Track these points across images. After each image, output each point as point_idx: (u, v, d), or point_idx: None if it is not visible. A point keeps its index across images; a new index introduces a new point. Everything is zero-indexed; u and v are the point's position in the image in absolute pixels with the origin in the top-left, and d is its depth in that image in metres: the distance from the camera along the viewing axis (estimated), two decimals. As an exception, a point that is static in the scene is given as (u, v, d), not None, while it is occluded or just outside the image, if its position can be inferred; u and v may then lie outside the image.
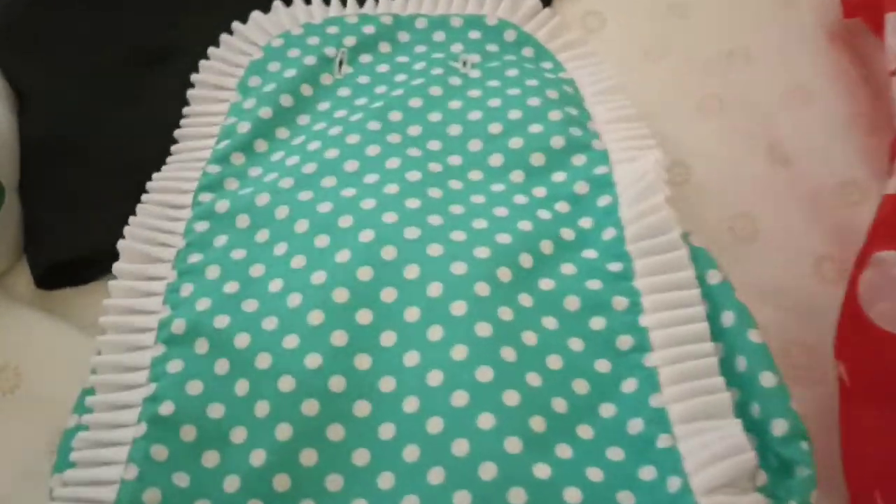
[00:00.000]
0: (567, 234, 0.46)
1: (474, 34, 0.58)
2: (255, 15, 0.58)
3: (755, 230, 0.50)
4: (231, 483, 0.38)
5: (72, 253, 0.50)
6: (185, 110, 0.54)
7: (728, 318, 0.42)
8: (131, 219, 0.47)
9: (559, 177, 0.49)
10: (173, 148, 0.52)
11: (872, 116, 0.52)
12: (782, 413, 0.38)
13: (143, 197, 0.49)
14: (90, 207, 0.51)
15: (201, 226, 0.48)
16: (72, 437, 0.40)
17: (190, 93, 0.55)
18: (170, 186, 0.50)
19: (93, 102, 0.55)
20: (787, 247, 0.49)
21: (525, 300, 0.43)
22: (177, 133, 0.53)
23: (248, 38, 0.57)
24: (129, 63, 0.57)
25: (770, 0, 0.59)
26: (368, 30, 0.58)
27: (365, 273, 0.43)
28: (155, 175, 0.50)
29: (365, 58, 0.57)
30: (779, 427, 0.38)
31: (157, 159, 0.52)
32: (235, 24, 0.58)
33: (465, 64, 0.56)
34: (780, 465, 0.37)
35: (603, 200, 0.48)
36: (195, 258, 0.46)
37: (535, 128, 0.51)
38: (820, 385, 0.44)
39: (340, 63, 0.56)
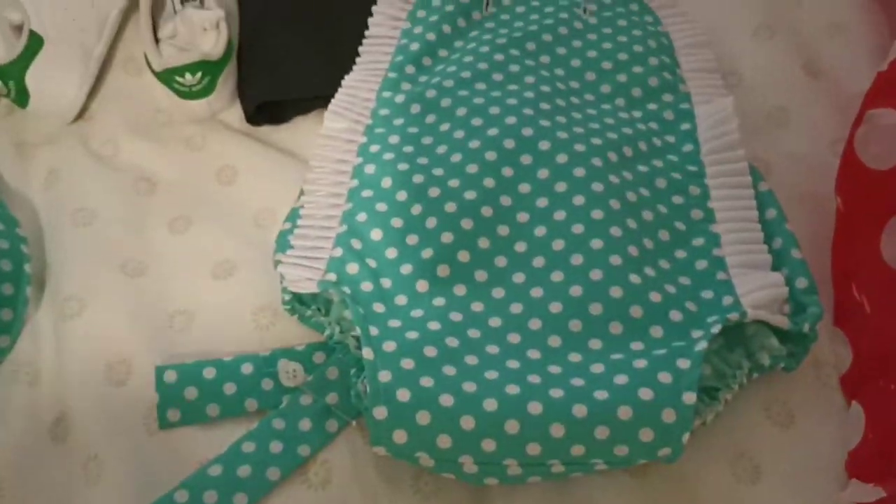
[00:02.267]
0: (656, 141, 0.61)
1: None
2: None
3: (788, 118, 0.65)
4: (406, 268, 0.54)
5: (273, 96, 0.68)
6: (368, 32, 0.69)
7: (770, 213, 0.57)
8: (333, 101, 0.63)
9: (652, 106, 0.63)
10: (359, 60, 0.67)
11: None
12: (804, 275, 0.54)
13: (340, 90, 0.64)
14: (289, 63, 0.69)
15: (384, 111, 0.62)
16: (286, 235, 0.56)
17: (371, 19, 0.69)
18: (359, 85, 0.65)
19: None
20: (810, 131, 0.65)
21: (627, 174, 0.58)
22: (361, 49, 0.68)
23: None
24: None
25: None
26: None
27: (509, 143, 0.58)
28: (347, 77, 0.65)
29: (506, 0, 0.72)
30: (801, 283, 0.53)
31: (342, 39, 0.69)
32: None
33: (585, 11, 0.70)
34: (797, 308, 0.53)
35: (684, 126, 0.62)
36: (380, 130, 0.61)
37: (637, 69, 0.65)
38: (824, 222, 0.59)
39: (487, 3, 0.71)
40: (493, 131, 0.59)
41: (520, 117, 0.60)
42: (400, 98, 0.63)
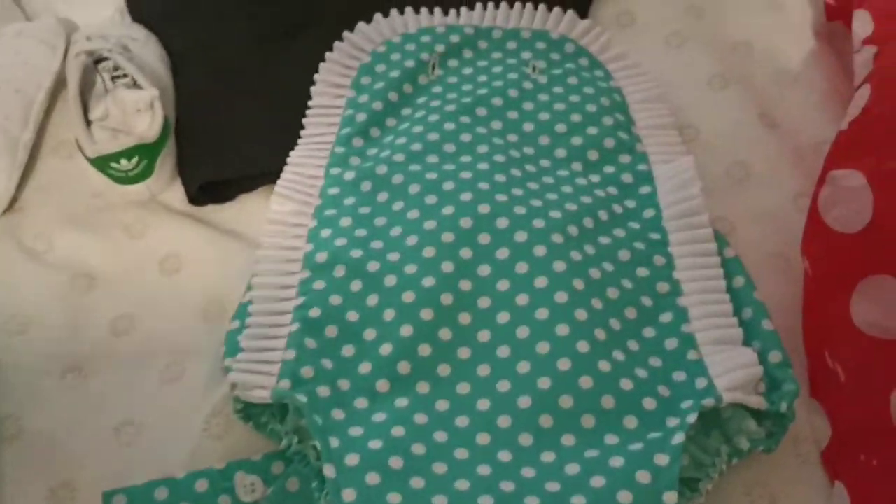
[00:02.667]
0: (617, 209, 0.59)
1: (540, 45, 0.69)
2: (361, 25, 0.71)
3: (748, 174, 0.64)
4: (364, 367, 0.51)
5: (216, 175, 0.65)
6: (311, 103, 0.66)
7: (738, 281, 0.55)
8: (279, 181, 0.60)
9: (609, 169, 0.61)
10: (303, 132, 0.65)
11: (845, 93, 0.66)
12: (777, 348, 0.52)
13: (286, 168, 0.61)
14: (231, 139, 0.66)
15: (333, 190, 0.60)
16: (235, 335, 0.54)
17: (313, 89, 0.67)
18: (305, 162, 0.62)
19: (237, 64, 0.70)
20: (772, 186, 0.63)
21: (589, 249, 0.55)
22: (305, 120, 0.65)
23: (357, 45, 0.70)
24: (270, 33, 0.71)
25: (764, 4, 0.73)
26: (454, 39, 0.69)
27: (466, 222, 0.55)
28: (292, 153, 0.63)
29: (452, 62, 0.68)
30: (774, 357, 0.52)
31: (285, 111, 0.66)
32: (346, 34, 0.70)
33: (534, 69, 0.68)
34: (772, 384, 0.51)
35: (644, 189, 0.60)
36: (331, 212, 0.59)
37: (592, 130, 0.63)
38: (792, 283, 0.57)
39: (433, 66, 0.68)
40: (448, 209, 0.56)
41: (475, 192, 0.57)
42: (349, 175, 0.61)
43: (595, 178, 0.61)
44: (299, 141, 0.65)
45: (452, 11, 0.72)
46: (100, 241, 0.63)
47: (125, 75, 0.65)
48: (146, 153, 0.62)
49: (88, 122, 0.64)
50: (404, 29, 0.71)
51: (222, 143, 0.66)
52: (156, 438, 0.53)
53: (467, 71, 0.68)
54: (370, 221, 0.58)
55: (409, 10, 0.72)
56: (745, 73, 0.69)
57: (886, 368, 0.51)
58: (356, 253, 0.56)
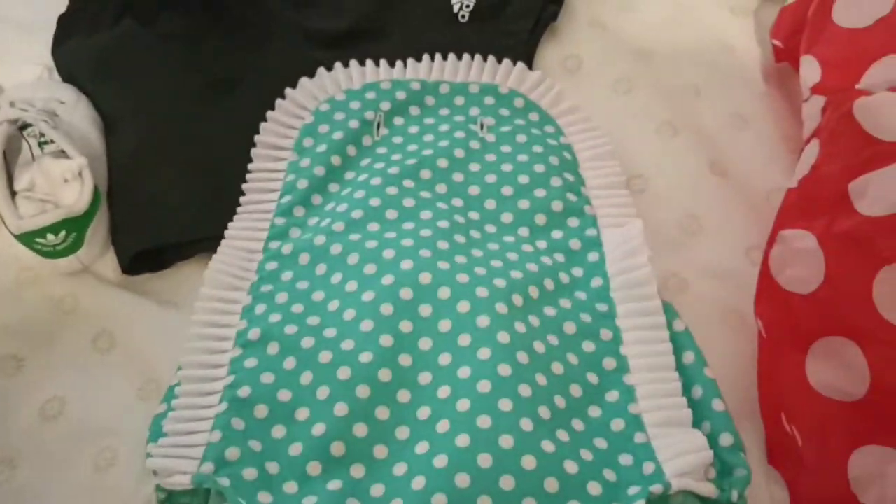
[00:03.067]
0: (563, 277, 0.57)
1: (489, 100, 0.67)
2: (304, 81, 0.68)
3: (700, 226, 0.62)
4: (295, 448, 0.48)
5: (151, 243, 0.62)
6: (251, 166, 0.64)
7: (689, 357, 0.53)
8: (214, 257, 0.57)
9: (557, 234, 0.59)
10: (243, 199, 0.62)
11: (794, 138, 0.65)
12: (728, 430, 0.50)
13: (223, 242, 0.59)
14: (166, 209, 0.63)
15: (271, 265, 0.58)
16: (160, 420, 0.51)
17: (254, 151, 0.64)
18: (244, 235, 0.60)
19: (171, 124, 0.67)
20: (725, 239, 0.62)
21: (534, 320, 0.53)
22: (245, 186, 0.63)
23: (299, 104, 0.67)
24: (203, 90, 0.69)
25: (713, 47, 0.71)
26: (400, 95, 0.67)
27: (406, 293, 0.53)
28: (231, 224, 0.60)
29: (398, 120, 0.66)
30: (725, 440, 0.50)
31: (221, 174, 0.64)
32: (288, 91, 0.68)
33: (482, 127, 0.65)
34: (723, 468, 0.49)
35: (592, 256, 0.58)
36: (267, 288, 0.56)
37: (540, 192, 0.61)
38: (747, 340, 0.56)
39: (378, 125, 0.65)
40: (388, 279, 0.54)
41: (416, 261, 0.55)
42: (288, 248, 0.59)
43: (542, 244, 0.59)
44: (239, 209, 0.62)
45: (399, 64, 0.70)
46: (28, 319, 0.60)
47: (52, 141, 0.63)
48: (74, 226, 0.59)
49: (14, 193, 0.61)
50: (348, 85, 0.69)
51: (156, 210, 0.63)
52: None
53: (413, 129, 0.66)
54: (307, 296, 0.56)
55: (353, 63, 0.70)
56: (695, 120, 0.67)
57: (844, 431, 0.50)
58: (291, 329, 0.53)
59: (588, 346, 0.54)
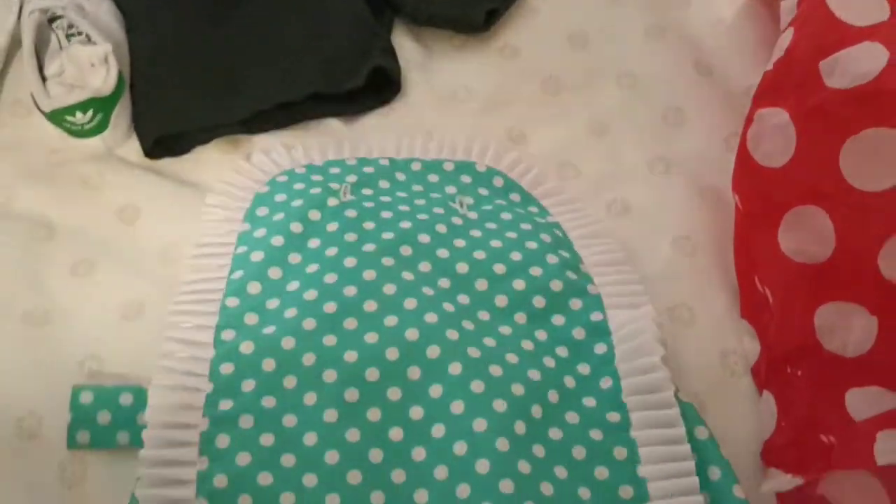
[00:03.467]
0: (569, 381, 0.50)
1: (465, 178, 0.61)
2: (258, 157, 0.63)
3: (683, 118, 0.67)
4: None
5: (171, 129, 0.66)
6: (197, 241, 0.57)
7: (714, 472, 0.47)
8: (159, 356, 0.50)
9: (558, 320, 0.52)
10: (187, 280, 0.55)
11: (773, 40, 0.69)
12: None
13: (165, 333, 0.52)
14: (184, 94, 0.67)
15: (226, 367, 0.49)
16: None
17: (202, 224, 0.58)
18: (190, 319, 0.52)
19: (189, 23, 0.71)
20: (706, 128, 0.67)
21: (538, 451, 0.46)
22: (190, 263, 0.56)
23: (252, 175, 0.61)
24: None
25: None
26: (368, 169, 0.61)
27: (396, 434, 0.47)
28: (171, 308, 0.53)
29: (367, 190, 0.59)
30: None
31: (233, 67, 0.68)
32: (240, 163, 0.62)
33: (461, 205, 0.59)
34: None
35: (599, 348, 0.51)
36: (225, 405, 0.47)
37: (535, 270, 0.54)
38: (723, 214, 0.61)
39: (344, 193, 0.58)
40: (373, 415, 0.48)
41: (405, 389, 0.48)
42: (247, 347, 0.49)
43: (542, 335, 0.52)
44: (182, 288, 0.55)
45: (364, 145, 0.64)
46: (58, 193, 0.64)
47: (79, 33, 0.66)
48: (101, 106, 0.64)
49: (44, 79, 0.65)
50: (308, 160, 0.62)
51: (175, 98, 0.67)
52: (118, 371, 0.54)
53: (385, 199, 0.59)
54: (277, 422, 0.47)
55: (315, 143, 0.64)
56: (681, 21, 0.72)
57: (811, 288, 0.55)
58: (265, 478, 0.46)
59: (601, 474, 0.47)
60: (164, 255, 0.61)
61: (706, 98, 0.68)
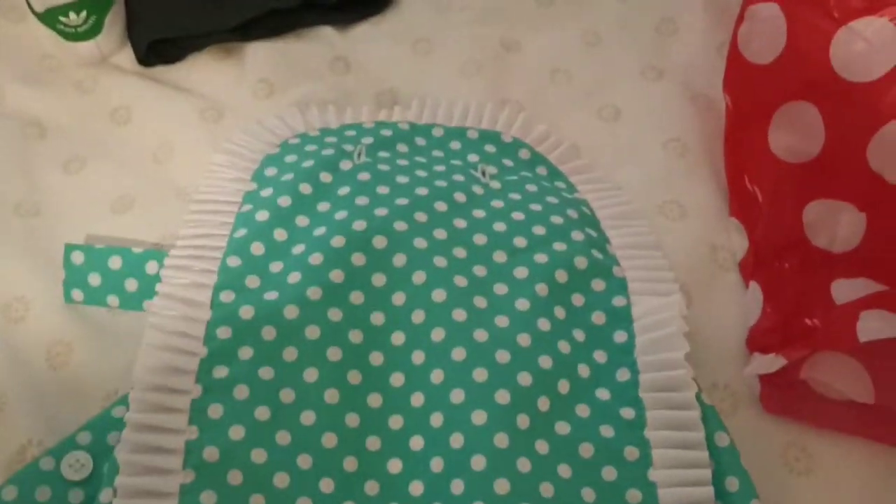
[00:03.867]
0: (583, 370, 0.46)
1: (490, 148, 0.58)
2: (270, 119, 0.59)
3: (676, 27, 0.67)
4: None
5: (164, 33, 0.66)
6: (195, 196, 0.53)
7: (732, 483, 0.43)
8: (148, 320, 0.46)
9: (578, 300, 0.49)
10: (182, 232, 0.51)
11: None
12: None
13: (159, 287, 0.48)
14: (178, 2, 0.67)
15: (223, 332, 0.45)
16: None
17: (202, 183, 0.54)
18: (187, 279, 0.48)
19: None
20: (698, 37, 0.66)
21: (542, 447, 0.43)
22: (187, 218, 0.52)
23: (262, 137, 0.57)
24: None
25: None
26: (386, 133, 0.57)
27: (395, 421, 0.44)
28: (167, 261, 0.49)
29: (383, 153, 0.56)
30: None
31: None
32: (247, 125, 0.59)
33: (483, 174, 0.56)
34: None
35: (619, 336, 0.48)
36: (220, 372, 0.44)
37: (559, 245, 0.50)
38: (714, 118, 0.61)
39: (359, 154, 0.55)
40: (374, 400, 0.45)
41: (408, 373, 0.46)
42: (247, 312, 0.46)
43: (560, 313, 0.48)
44: (178, 243, 0.50)
45: (383, 110, 0.61)
46: (51, 95, 0.64)
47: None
48: (94, 8, 0.64)
49: (37, -19, 0.65)
50: (324, 124, 0.59)
51: (168, 4, 0.67)
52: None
53: (402, 162, 0.55)
54: (274, 396, 0.44)
55: (330, 107, 0.61)
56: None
57: (800, 186, 0.55)
58: (259, 455, 0.43)
59: (609, 474, 0.43)
60: (154, 155, 0.61)
61: (700, 8, 0.67)
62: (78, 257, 0.51)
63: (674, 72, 0.64)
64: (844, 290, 0.52)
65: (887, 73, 0.51)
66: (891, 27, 0.51)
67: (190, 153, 0.60)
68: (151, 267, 0.50)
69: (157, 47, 0.66)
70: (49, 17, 0.63)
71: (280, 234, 0.50)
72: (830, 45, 0.53)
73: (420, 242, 0.49)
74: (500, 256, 0.50)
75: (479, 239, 0.50)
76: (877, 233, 0.53)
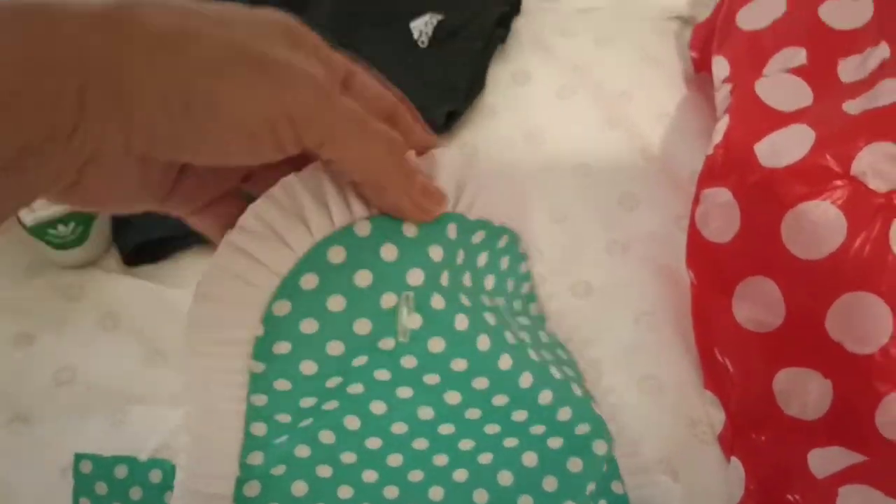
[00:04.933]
0: None
1: None
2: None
3: (637, 202, 0.72)
4: None
5: (150, 234, 0.69)
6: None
7: None
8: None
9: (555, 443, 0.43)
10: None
11: (712, 129, 0.74)
12: None
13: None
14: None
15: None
16: None
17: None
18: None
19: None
20: (657, 210, 0.71)
21: None
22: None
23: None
24: None
25: (640, 61, 0.82)
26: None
27: None
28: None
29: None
30: None
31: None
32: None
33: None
34: None
35: None
36: None
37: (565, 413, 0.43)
38: (680, 289, 0.64)
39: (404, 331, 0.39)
40: None
41: None
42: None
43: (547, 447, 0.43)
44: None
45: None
46: (38, 305, 0.66)
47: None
48: (82, 219, 0.66)
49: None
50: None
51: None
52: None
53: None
54: None
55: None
56: (628, 116, 0.77)
57: (768, 356, 0.58)
58: None
59: None
60: (148, 358, 0.63)
61: (655, 183, 0.72)
62: (86, 466, 0.54)
63: (638, 244, 0.68)
64: (820, 460, 0.54)
65: (834, 250, 0.55)
66: (833, 209, 0.56)
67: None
68: (155, 476, 0.53)
69: (143, 247, 0.69)
70: (38, 230, 0.66)
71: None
72: (781, 226, 0.57)
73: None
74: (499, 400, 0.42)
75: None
76: (843, 399, 0.56)
